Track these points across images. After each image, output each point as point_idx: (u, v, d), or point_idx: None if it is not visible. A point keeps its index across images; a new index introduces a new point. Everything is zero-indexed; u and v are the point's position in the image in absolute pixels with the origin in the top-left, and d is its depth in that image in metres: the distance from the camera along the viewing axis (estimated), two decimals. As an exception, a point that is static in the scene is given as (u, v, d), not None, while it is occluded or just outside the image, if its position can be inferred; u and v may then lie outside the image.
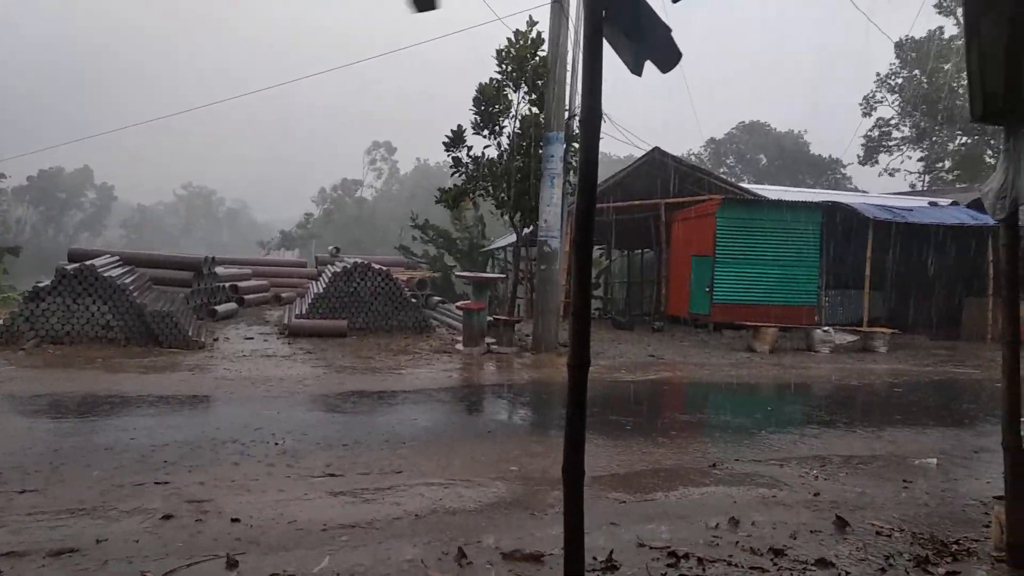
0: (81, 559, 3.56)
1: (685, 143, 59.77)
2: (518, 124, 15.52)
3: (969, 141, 37.85)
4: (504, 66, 15.40)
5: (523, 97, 15.57)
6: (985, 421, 8.22)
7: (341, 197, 76.05)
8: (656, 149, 20.05)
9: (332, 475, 5.25)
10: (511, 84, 15.53)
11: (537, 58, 15.19)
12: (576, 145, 13.59)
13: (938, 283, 18.95)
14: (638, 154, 20.64)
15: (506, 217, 16.12)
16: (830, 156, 55.26)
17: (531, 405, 9.26)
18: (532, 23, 15.32)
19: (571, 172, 14.33)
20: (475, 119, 15.52)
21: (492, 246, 27.97)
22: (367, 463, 5.61)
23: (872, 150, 43.67)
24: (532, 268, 19.40)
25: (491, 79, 15.54)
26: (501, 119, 15.51)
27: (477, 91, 15.50)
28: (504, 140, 15.66)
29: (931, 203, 20.13)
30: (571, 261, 3.24)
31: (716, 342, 15.64)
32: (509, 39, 15.40)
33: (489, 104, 15.39)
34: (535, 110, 15.33)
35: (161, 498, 4.56)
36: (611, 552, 3.71)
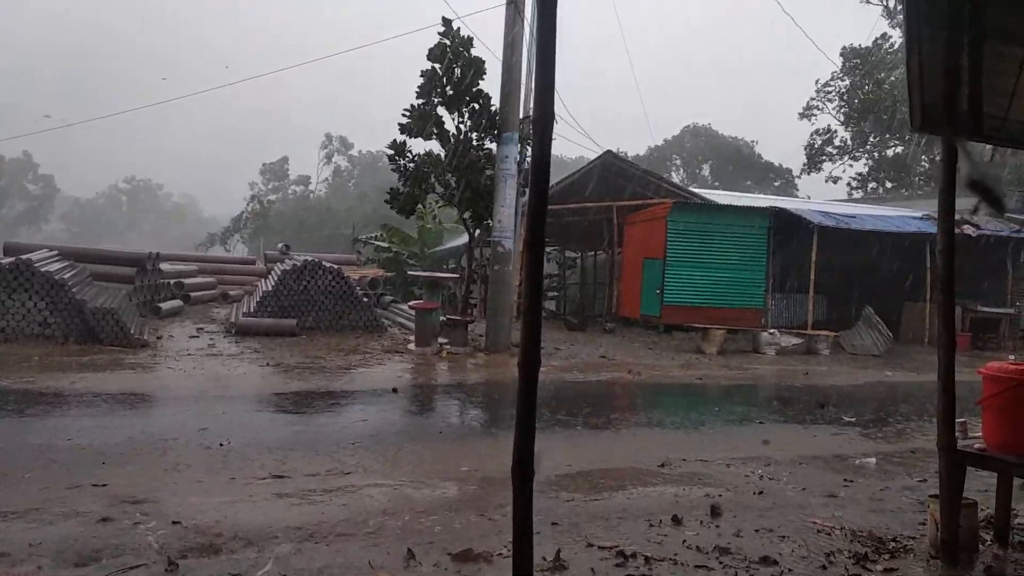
0: (13, 563, 3.42)
1: (637, 146, 60.24)
2: (458, 127, 15.23)
3: (905, 151, 38.81)
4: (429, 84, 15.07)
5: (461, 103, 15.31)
6: (921, 422, 8.48)
7: (283, 189, 73.60)
8: (608, 152, 20.23)
9: (279, 476, 5.16)
10: (442, 97, 15.18)
11: (463, 62, 14.84)
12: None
13: (879, 288, 19.50)
14: (590, 156, 20.84)
15: (462, 215, 16.01)
16: (780, 164, 56.32)
17: (483, 405, 9.24)
18: (446, 21, 14.83)
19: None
20: (413, 127, 15.22)
21: (446, 245, 27.80)
22: (315, 464, 5.52)
23: (814, 158, 44.61)
24: (486, 268, 19.37)
25: (418, 99, 15.14)
26: (434, 128, 15.19)
27: (406, 112, 15.13)
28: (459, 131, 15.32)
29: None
30: (523, 261, 3.23)
31: (666, 343, 15.83)
32: (437, 45, 14.89)
33: (419, 119, 15.05)
34: (475, 106, 15.13)
35: (99, 500, 4.41)
36: (559, 551, 3.73)
